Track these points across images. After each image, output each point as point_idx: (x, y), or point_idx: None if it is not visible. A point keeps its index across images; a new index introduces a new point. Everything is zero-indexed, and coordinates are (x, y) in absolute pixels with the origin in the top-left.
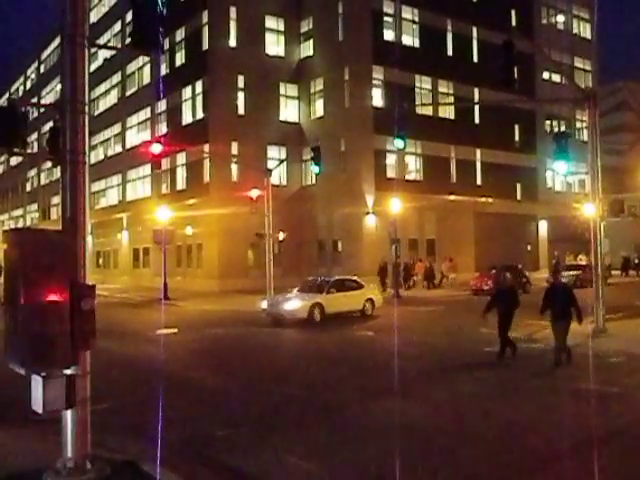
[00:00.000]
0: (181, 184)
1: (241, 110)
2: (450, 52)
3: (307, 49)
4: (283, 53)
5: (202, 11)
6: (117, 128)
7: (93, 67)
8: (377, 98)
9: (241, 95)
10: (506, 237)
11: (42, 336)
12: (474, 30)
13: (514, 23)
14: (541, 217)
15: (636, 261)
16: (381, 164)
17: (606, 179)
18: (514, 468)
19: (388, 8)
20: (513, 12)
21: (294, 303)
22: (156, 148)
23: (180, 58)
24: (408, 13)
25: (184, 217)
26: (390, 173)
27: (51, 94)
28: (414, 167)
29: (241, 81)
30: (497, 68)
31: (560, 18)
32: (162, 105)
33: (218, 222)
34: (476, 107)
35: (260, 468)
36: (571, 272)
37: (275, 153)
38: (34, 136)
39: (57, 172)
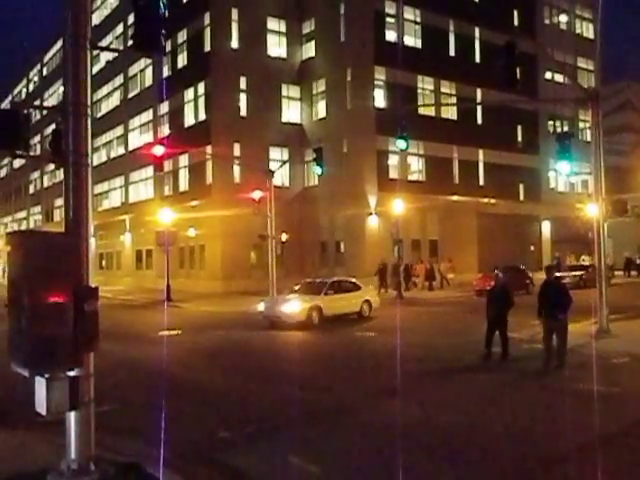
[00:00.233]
0: (184, 186)
1: (243, 112)
2: (452, 52)
3: (309, 50)
4: (285, 54)
5: (204, 13)
6: (119, 130)
7: (95, 69)
8: (379, 99)
9: (243, 97)
10: (509, 238)
11: (46, 338)
12: (476, 30)
13: (516, 23)
14: (544, 217)
15: (638, 261)
16: (383, 165)
17: (609, 179)
18: (517, 470)
19: (390, 9)
20: (515, 12)
21: (292, 305)
22: (158, 150)
23: (182, 60)
24: (410, 14)
25: (187, 219)
26: (392, 174)
27: (54, 96)
28: (416, 168)
29: (243, 83)
30: (499, 68)
31: (563, 18)
32: (164, 107)
33: (221, 223)
34: (479, 107)
35: (262, 469)
36: (574, 272)
37: (277, 154)
38: (37, 138)
39: (60, 174)
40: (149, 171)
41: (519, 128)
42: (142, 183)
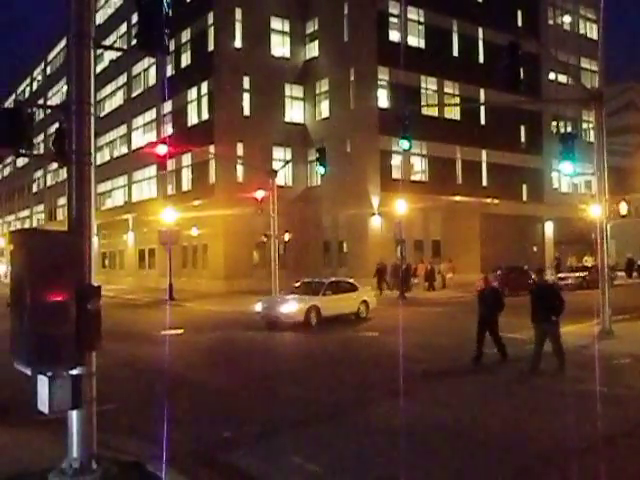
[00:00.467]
0: (186, 185)
1: (246, 111)
2: (456, 53)
3: (312, 50)
4: (288, 54)
5: (207, 12)
6: (123, 129)
7: (99, 69)
8: (382, 99)
9: (246, 96)
10: (512, 238)
11: (48, 336)
12: (480, 31)
13: (520, 24)
14: (547, 218)
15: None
16: (387, 165)
17: (612, 180)
18: (519, 470)
19: (393, 9)
20: (519, 13)
21: (290, 306)
22: (162, 149)
23: (186, 59)
24: (414, 14)
25: (189, 218)
26: (396, 174)
27: (57, 95)
28: (420, 168)
29: (246, 82)
30: (503, 69)
31: (566, 18)
32: (168, 106)
33: (223, 223)
34: (482, 108)
35: (264, 469)
36: (577, 274)
37: (280, 154)
38: (40, 137)
39: (63, 173)
40: (152, 170)
41: (522, 128)
42: (145, 182)
